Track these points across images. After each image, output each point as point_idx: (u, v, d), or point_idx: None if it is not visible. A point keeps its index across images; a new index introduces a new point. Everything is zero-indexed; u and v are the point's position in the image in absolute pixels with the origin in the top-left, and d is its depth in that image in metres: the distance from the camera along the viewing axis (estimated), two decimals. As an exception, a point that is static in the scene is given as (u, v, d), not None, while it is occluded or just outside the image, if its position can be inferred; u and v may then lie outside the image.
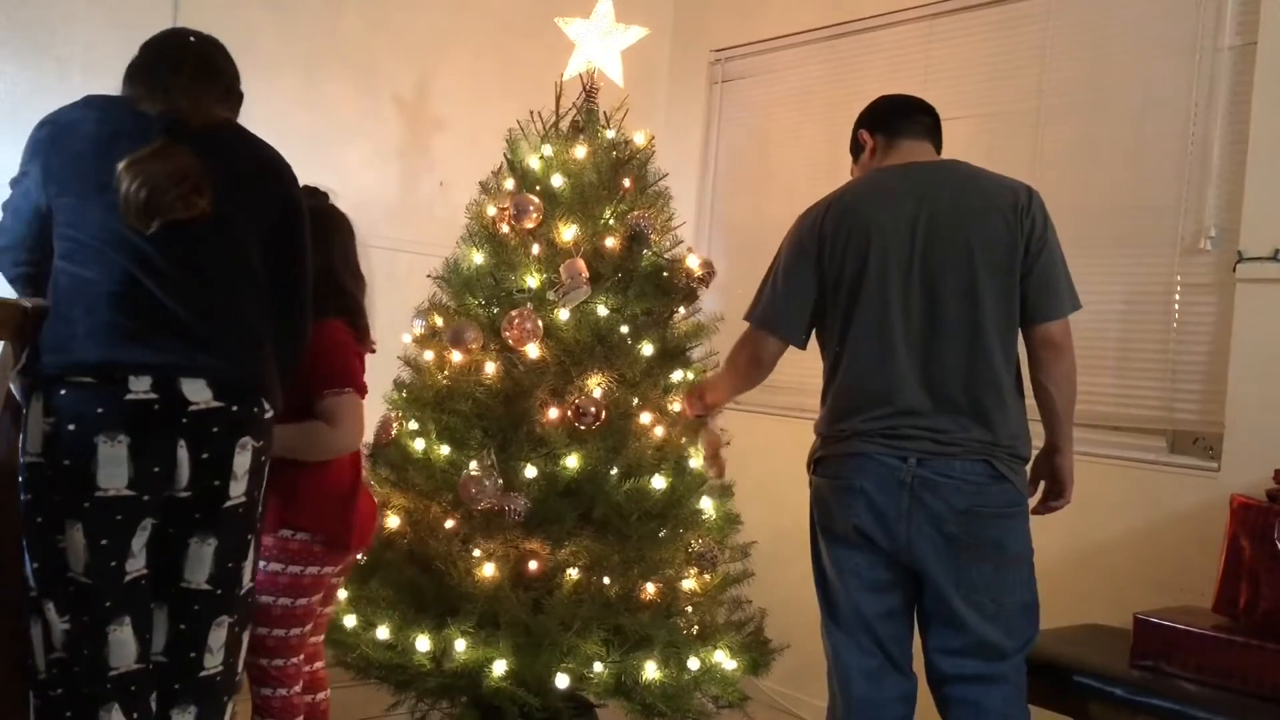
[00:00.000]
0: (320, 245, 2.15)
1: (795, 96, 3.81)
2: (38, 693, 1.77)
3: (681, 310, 3.01)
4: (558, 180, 2.88)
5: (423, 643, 2.57)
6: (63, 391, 1.71)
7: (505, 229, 2.85)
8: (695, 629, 2.82)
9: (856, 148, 2.36)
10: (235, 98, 2.05)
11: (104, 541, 1.73)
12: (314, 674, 2.43)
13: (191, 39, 2.03)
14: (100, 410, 1.70)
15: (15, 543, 1.79)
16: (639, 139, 3.01)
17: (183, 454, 1.76)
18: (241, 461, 1.83)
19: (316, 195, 2.33)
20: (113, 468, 1.71)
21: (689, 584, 2.83)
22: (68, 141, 1.84)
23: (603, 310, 2.83)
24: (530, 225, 2.82)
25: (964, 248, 2.07)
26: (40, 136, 1.88)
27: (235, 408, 1.81)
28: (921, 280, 2.08)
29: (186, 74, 1.92)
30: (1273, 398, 2.53)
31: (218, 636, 1.86)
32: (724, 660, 2.78)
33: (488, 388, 2.75)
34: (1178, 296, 2.80)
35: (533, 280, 2.80)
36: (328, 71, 3.51)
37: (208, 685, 1.87)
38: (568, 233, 2.81)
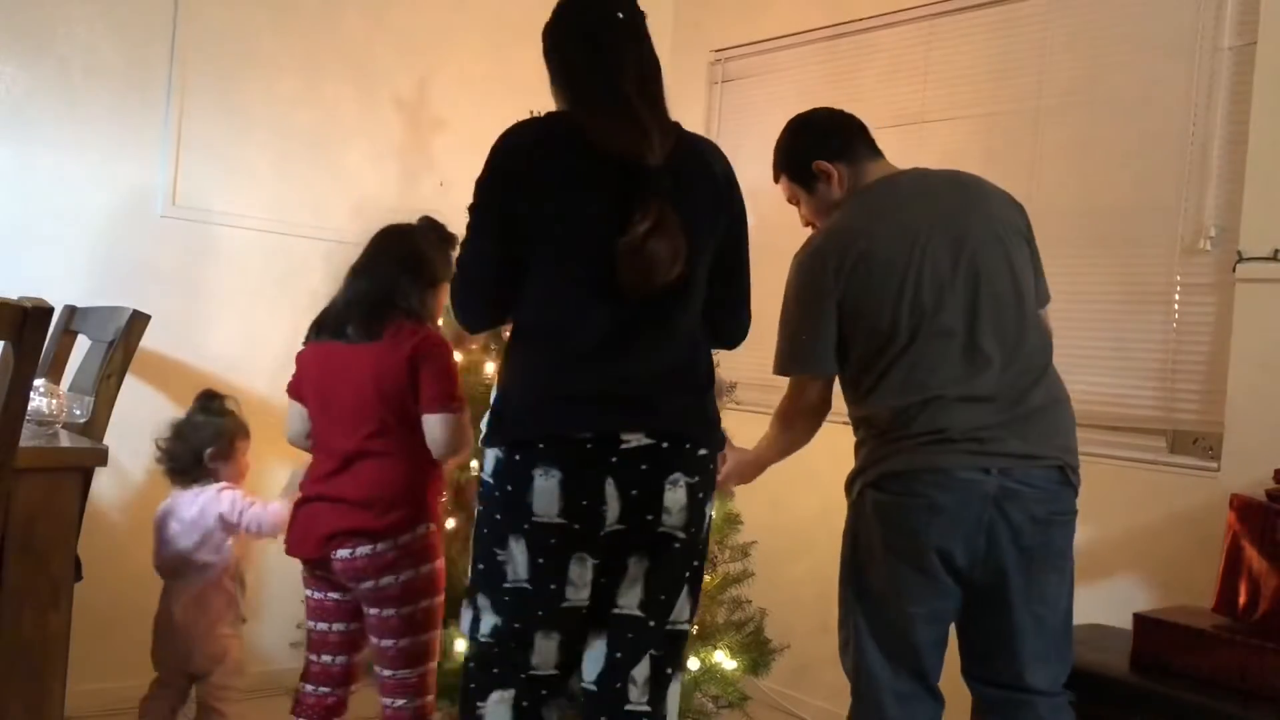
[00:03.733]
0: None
1: (795, 96, 3.81)
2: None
3: (681, 310, 3.01)
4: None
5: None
6: None
7: (505, 229, 2.84)
8: (695, 629, 2.82)
9: (811, 178, 2.23)
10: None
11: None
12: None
13: (620, 14, 1.84)
14: None
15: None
16: (639, 139, 3.01)
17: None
18: None
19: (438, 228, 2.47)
20: None
21: (689, 584, 2.83)
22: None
23: (603, 310, 2.83)
24: (530, 225, 2.81)
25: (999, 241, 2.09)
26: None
27: None
28: (967, 277, 2.04)
29: (640, 83, 1.84)
30: (1273, 398, 2.53)
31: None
32: (724, 660, 2.78)
33: (488, 388, 2.75)
34: (1178, 296, 2.79)
35: (533, 280, 2.80)
36: (328, 71, 3.51)
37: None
38: (568, 233, 2.80)
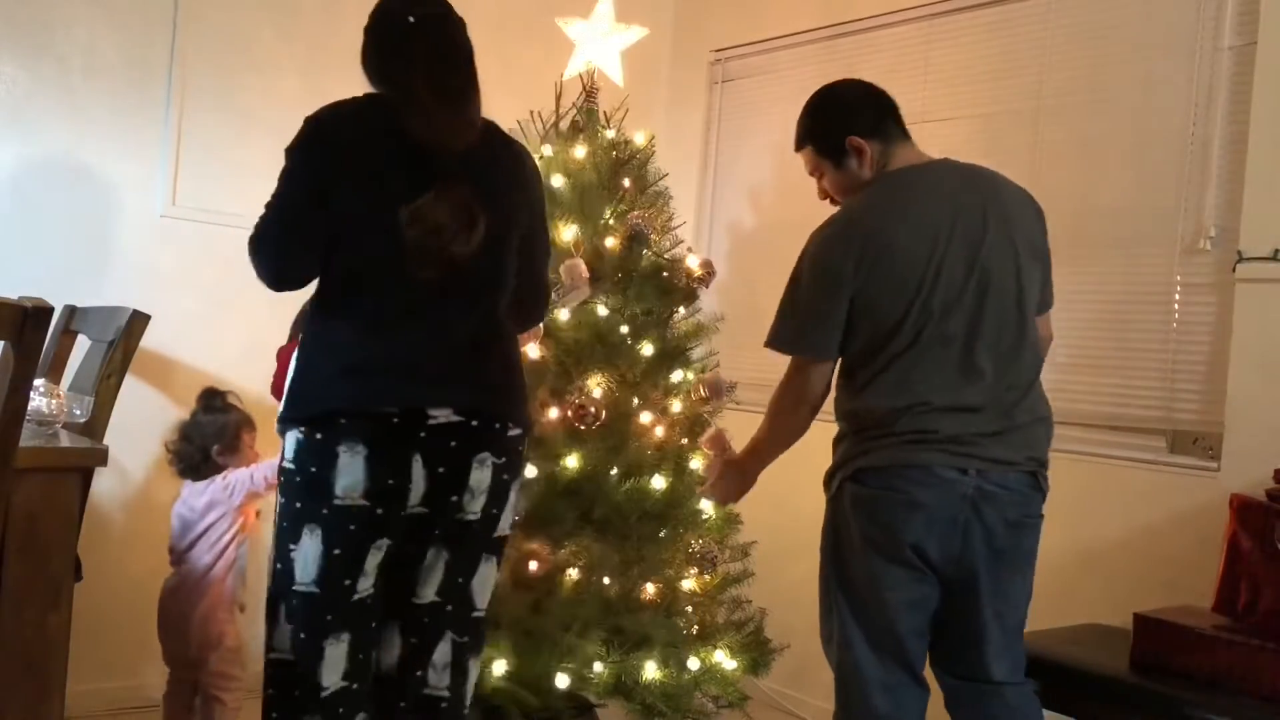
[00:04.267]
0: None
1: (795, 96, 3.79)
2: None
3: (681, 310, 3.01)
4: (558, 180, 2.88)
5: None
6: None
7: (505, 229, 2.85)
8: (695, 629, 2.82)
9: (842, 154, 2.17)
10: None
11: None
12: None
13: (410, 18, 1.91)
14: None
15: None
16: (639, 139, 3.02)
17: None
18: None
19: None
20: None
21: (689, 584, 2.84)
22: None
23: (603, 310, 2.83)
24: (530, 225, 2.82)
25: (1012, 250, 2.06)
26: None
27: None
28: (977, 285, 2.02)
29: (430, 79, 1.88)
30: (1273, 398, 2.53)
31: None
32: (724, 660, 2.78)
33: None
34: (1178, 296, 2.79)
35: (533, 280, 2.81)
36: (328, 71, 3.50)
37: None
38: (568, 233, 2.81)
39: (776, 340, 2.14)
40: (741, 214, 4.01)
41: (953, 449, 1.98)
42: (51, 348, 2.77)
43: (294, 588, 1.79)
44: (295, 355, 1.90)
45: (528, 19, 3.74)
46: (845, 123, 2.16)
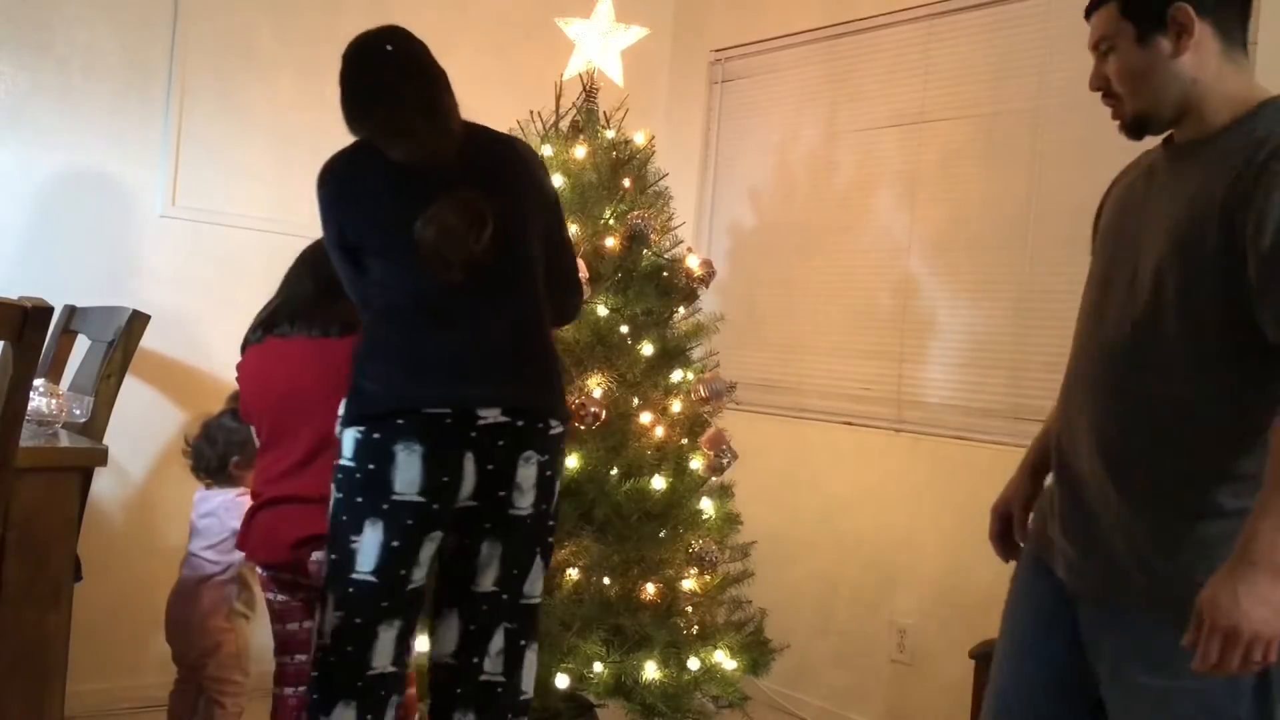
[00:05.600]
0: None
1: (795, 96, 3.81)
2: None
3: (681, 310, 3.01)
4: (558, 180, 2.88)
5: (422, 643, 2.57)
6: None
7: (505, 229, 2.85)
8: (695, 629, 2.82)
9: (1155, 22, 1.52)
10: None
11: None
12: None
13: (389, 47, 2.08)
14: None
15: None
16: (639, 139, 3.02)
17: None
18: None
19: None
20: None
21: (689, 584, 2.84)
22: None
23: (603, 310, 2.83)
24: (530, 225, 2.82)
25: None
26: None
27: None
28: None
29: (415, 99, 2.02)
30: (1273, 398, 2.53)
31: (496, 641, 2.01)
32: (724, 660, 2.78)
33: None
34: (1178, 296, 2.79)
35: (533, 280, 2.81)
36: (328, 72, 3.49)
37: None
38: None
39: None
40: (741, 214, 4.01)
41: None
42: (51, 348, 2.77)
43: (353, 576, 1.89)
44: (354, 358, 1.99)
45: (528, 19, 3.74)
46: None
